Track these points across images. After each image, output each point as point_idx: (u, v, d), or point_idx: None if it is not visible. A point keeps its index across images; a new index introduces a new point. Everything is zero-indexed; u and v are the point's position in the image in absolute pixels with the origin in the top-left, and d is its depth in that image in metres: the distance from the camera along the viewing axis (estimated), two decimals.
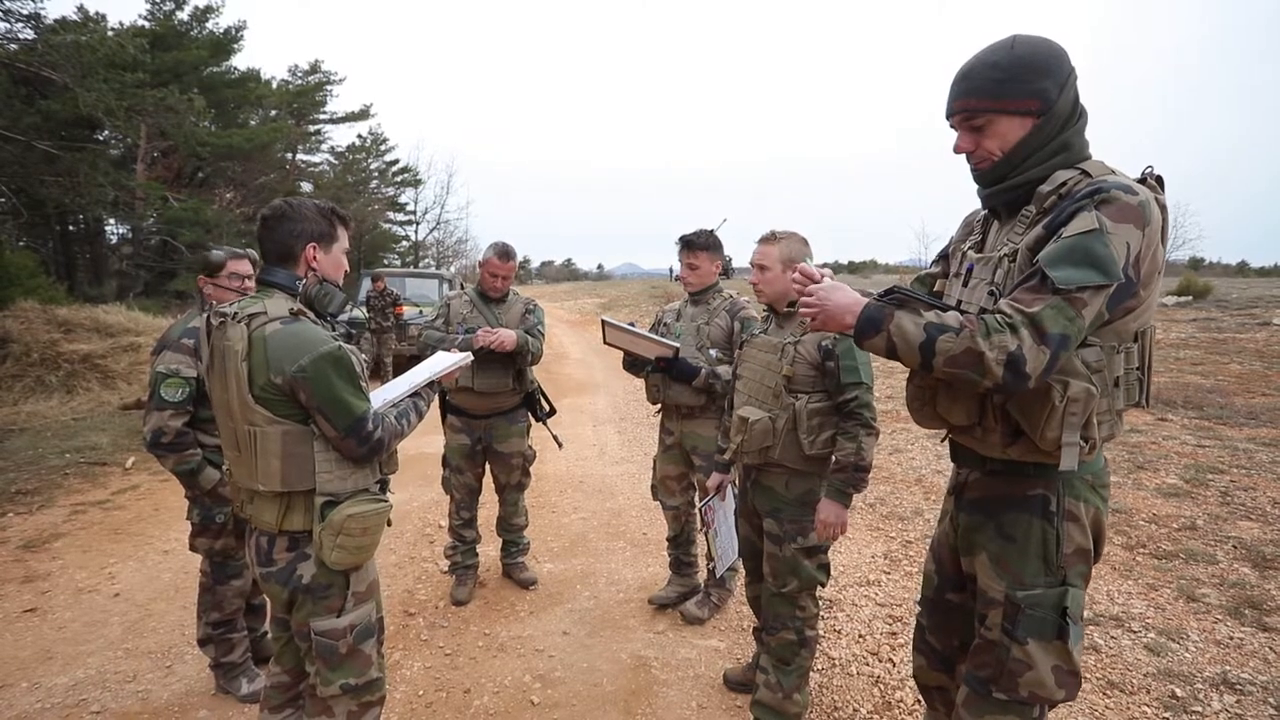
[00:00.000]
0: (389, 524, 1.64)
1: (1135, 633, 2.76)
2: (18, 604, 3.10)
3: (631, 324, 2.78)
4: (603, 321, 2.80)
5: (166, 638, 2.82)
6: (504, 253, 3.04)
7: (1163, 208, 1.21)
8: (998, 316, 1.14)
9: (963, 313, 1.20)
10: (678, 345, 2.72)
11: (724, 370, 2.67)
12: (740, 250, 2.29)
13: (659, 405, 2.96)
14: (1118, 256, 1.12)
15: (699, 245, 2.77)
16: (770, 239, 2.17)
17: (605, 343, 2.80)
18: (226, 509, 2.27)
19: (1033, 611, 1.28)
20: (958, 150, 1.36)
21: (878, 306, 1.25)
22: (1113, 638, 2.73)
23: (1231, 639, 2.69)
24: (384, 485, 1.70)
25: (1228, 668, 2.49)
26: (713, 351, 2.74)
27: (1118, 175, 1.22)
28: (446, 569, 3.32)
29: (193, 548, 2.37)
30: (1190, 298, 14.29)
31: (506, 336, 2.91)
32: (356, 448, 1.52)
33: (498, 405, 3.10)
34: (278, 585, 1.58)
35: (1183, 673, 2.47)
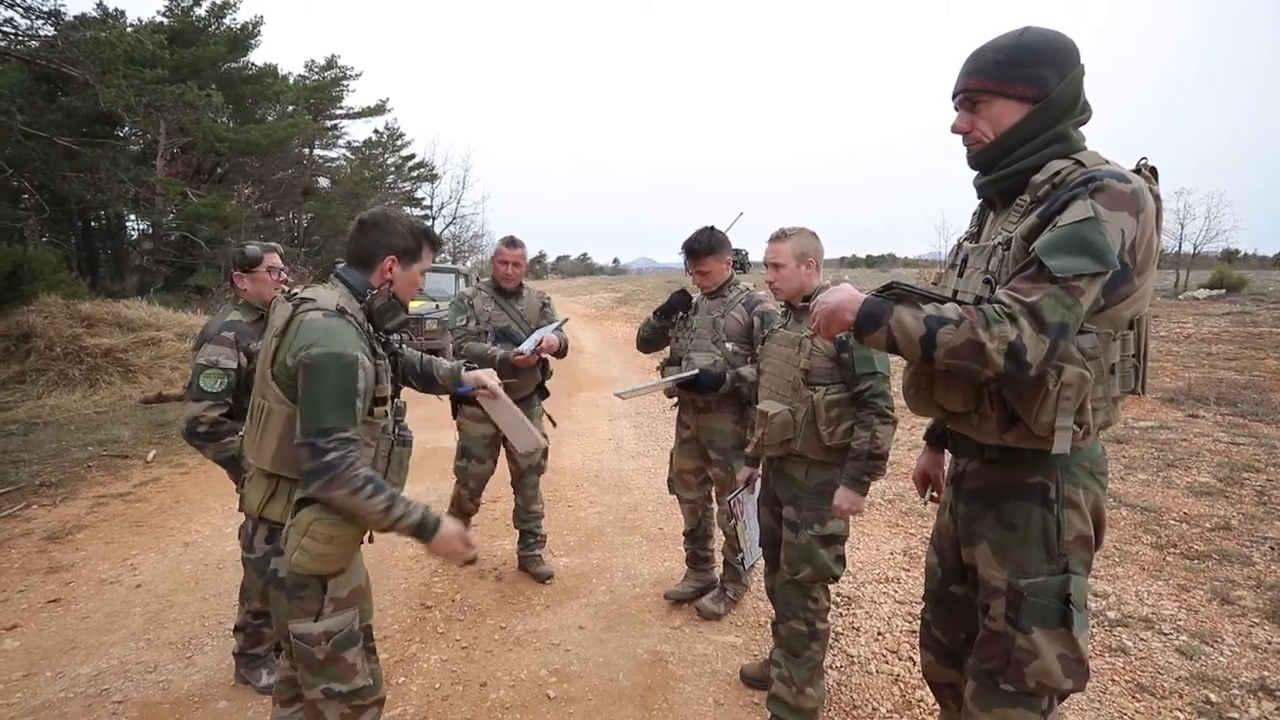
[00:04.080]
0: (370, 540, 1.54)
1: (1166, 635, 2.68)
2: (42, 594, 3.15)
3: (644, 382, 2.82)
4: (617, 395, 2.84)
5: (187, 628, 2.85)
6: (511, 240, 3.14)
7: (1156, 197, 1.22)
8: (996, 306, 1.14)
9: (960, 303, 1.20)
10: (696, 371, 2.66)
11: (747, 371, 2.63)
12: (760, 248, 2.27)
13: (675, 399, 2.93)
14: (1113, 243, 1.13)
15: (703, 251, 2.72)
16: (781, 236, 2.17)
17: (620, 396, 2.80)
18: None
19: (1036, 599, 1.28)
20: (954, 130, 1.39)
21: (877, 302, 1.25)
22: (1142, 640, 2.65)
23: (1270, 643, 2.60)
24: None
25: (1266, 673, 2.41)
26: (729, 345, 2.69)
27: (1111, 165, 1.23)
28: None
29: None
30: (1224, 290, 13.92)
31: (551, 343, 2.98)
32: (306, 458, 1.40)
33: (520, 394, 3.12)
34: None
35: (1217, 677, 2.40)
